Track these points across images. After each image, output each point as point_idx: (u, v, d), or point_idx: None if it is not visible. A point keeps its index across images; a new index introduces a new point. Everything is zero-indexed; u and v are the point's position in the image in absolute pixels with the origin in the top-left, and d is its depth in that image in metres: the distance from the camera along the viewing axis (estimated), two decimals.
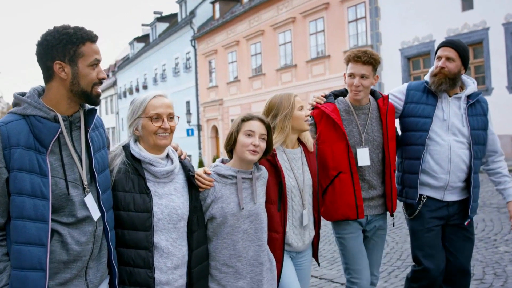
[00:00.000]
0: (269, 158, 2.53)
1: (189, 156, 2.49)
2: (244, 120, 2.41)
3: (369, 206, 2.94)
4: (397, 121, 3.11)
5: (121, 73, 43.60)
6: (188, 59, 29.88)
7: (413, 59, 15.45)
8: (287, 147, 2.69)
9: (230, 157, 2.49)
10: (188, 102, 29.92)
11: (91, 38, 1.83)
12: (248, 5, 23.21)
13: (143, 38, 40.64)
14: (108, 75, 50.65)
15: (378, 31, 16.35)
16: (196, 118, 28.98)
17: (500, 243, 5.55)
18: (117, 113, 43.36)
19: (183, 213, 2.16)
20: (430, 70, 3.08)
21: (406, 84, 3.18)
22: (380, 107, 2.97)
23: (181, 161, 2.28)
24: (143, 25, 43.19)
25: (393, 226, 3.13)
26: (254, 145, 2.33)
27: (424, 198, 3.00)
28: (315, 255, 2.86)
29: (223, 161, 2.51)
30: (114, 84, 44.67)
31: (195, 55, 28.77)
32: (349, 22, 17.60)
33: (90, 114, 1.95)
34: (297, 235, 2.64)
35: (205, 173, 2.35)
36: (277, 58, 21.64)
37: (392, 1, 15.71)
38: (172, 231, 2.12)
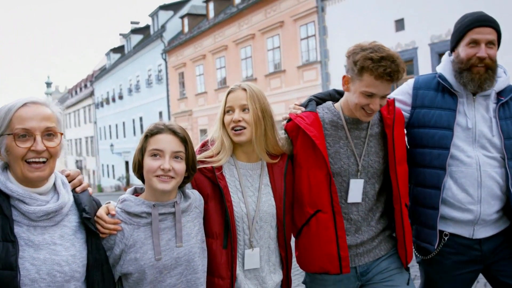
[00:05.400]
0: (208, 174, 1.93)
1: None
2: (148, 135, 1.77)
3: (357, 255, 2.13)
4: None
5: (98, 83, 44.42)
6: (160, 71, 30.97)
7: None
8: (239, 158, 2.03)
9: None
10: (160, 113, 30.95)
11: None
12: (213, 21, 24.45)
13: (119, 49, 41.63)
14: (86, 85, 51.40)
15: (326, 48, 17.70)
16: None
17: None
18: (95, 122, 44.23)
19: (74, 270, 1.56)
20: (450, 59, 2.27)
21: (411, 81, 2.40)
22: (384, 117, 2.12)
23: (75, 194, 1.67)
24: (120, 34, 44.16)
25: (408, 284, 2.15)
26: (163, 169, 1.71)
27: (445, 235, 2.20)
28: None
29: (136, 192, 1.87)
30: (92, 93, 45.44)
31: (166, 67, 29.90)
32: (301, 39, 18.91)
33: None
34: (251, 279, 2.00)
35: (108, 213, 1.72)
36: (239, 71, 22.86)
37: (337, 21, 17.09)
38: None
